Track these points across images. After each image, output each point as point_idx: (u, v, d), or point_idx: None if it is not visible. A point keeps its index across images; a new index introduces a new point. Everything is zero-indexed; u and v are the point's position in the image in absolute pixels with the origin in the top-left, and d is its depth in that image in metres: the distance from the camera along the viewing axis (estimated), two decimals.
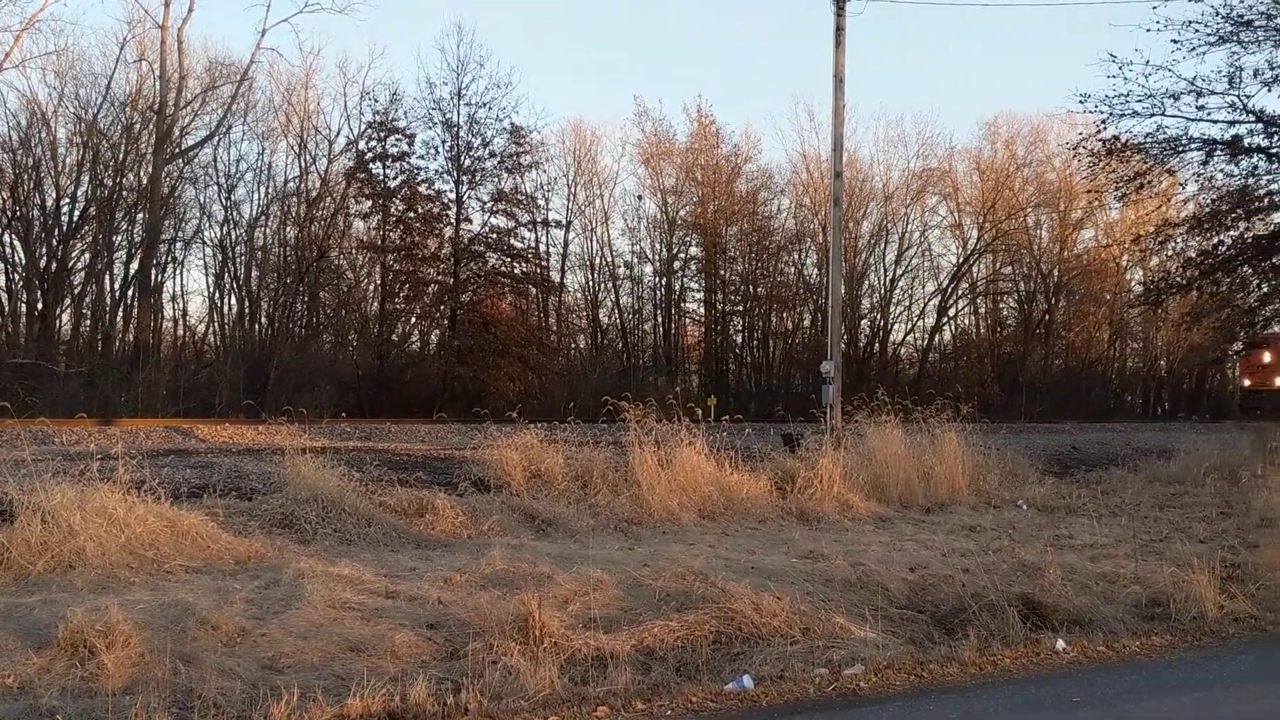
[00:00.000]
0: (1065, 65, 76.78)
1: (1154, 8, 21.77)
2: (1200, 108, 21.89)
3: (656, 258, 44.80)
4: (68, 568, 8.56)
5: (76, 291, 33.65)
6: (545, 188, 42.03)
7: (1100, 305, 49.74)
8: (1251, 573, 9.57)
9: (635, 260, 44.93)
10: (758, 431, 17.64)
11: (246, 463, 14.60)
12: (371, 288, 39.03)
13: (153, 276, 34.49)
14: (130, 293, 34.00)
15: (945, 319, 47.97)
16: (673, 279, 44.77)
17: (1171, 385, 53.76)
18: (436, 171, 37.21)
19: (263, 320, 36.46)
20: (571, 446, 14.57)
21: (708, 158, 44.14)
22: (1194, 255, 24.46)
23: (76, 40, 50.07)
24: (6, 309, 32.39)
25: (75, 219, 33.00)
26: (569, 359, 41.84)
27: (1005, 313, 50.87)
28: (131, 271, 33.96)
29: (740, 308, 45.46)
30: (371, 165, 36.88)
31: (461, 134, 37.03)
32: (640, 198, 44.80)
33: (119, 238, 33.93)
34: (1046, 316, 48.87)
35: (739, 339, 46.42)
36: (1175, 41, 21.56)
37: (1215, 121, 22.10)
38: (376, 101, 37.44)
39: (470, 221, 37.68)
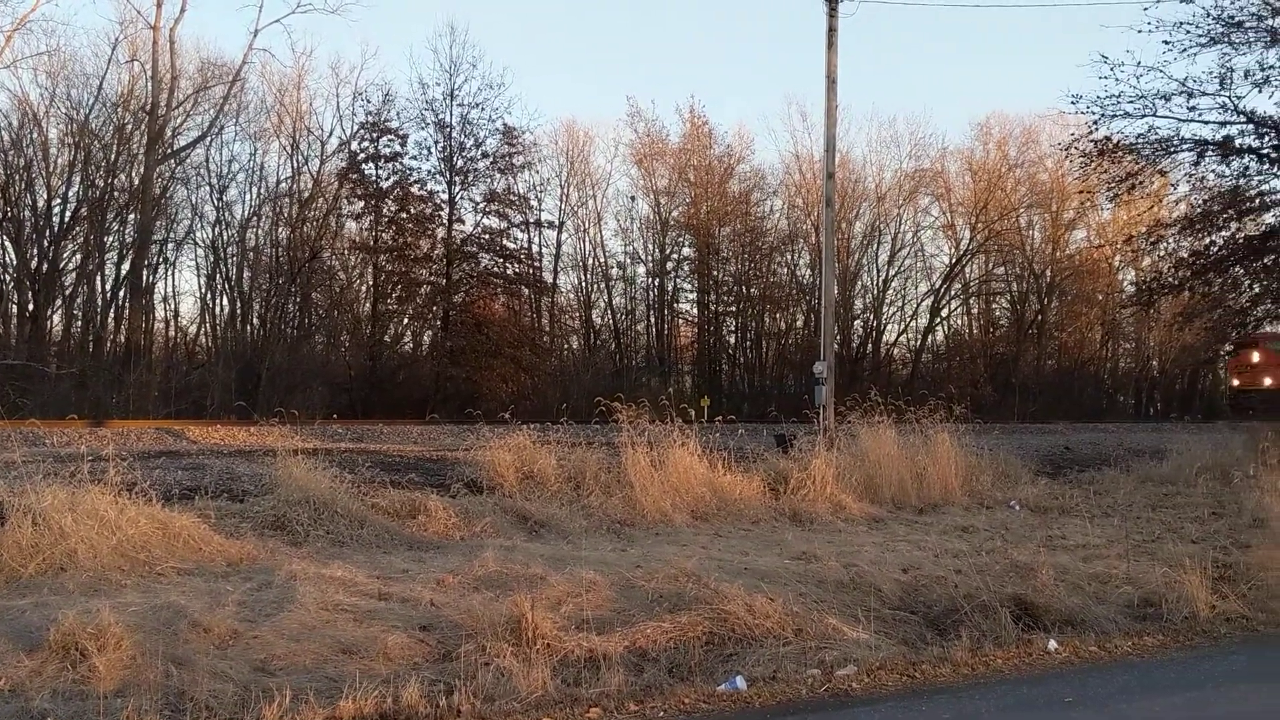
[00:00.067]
0: (1057, 66, 77.01)
1: (1145, 9, 21.84)
2: (1191, 108, 21.97)
3: (649, 258, 44.89)
4: (59, 570, 8.52)
5: (68, 292, 33.59)
6: (538, 188, 42.08)
7: (1093, 306, 49.87)
8: (1243, 573, 9.60)
9: (628, 261, 45.03)
10: (751, 432, 17.64)
11: (238, 464, 14.56)
12: (364, 288, 39.03)
13: (144, 277, 34.46)
14: (121, 294, 33.97)
15: (938, 319, 48.09)
16: (665, 279, 44.82)
17: (1164, 385, 53.93)
18: (429, 172, 37.29)
19: (255, 321, 36.42)
20: (564, 448, 14.54)
21: (700, 158, 44.20)
22: (1186, 256, 24.51)
23: (68, 41, 50.16)
24: None
25: (66, 220, 32.95)
26: (562, 360, 41.84)
27: (998, 313, 51.03)
28: (123, 272, 33.96)
29: (733, 308, 45.50)
30: (364, 166, 36.89)
31: (454, 135, 37.11)
32: (633, 198, 44.90)
33: (110, 238, 33.93)
34: (1039, 317, 48.98)
35: (732, 340, 46.49)
36: (1166, 42, 21.62)
37: (1206, 122, 22.19)
38: (369, 102, 37.50)
39: (463, 222, 37.78)
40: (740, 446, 15.35)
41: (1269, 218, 23.36)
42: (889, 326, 47.48)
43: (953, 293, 48.45)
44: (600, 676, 6.31)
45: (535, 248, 41.76)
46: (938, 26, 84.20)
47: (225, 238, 36.81)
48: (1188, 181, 24.03)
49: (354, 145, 37.10)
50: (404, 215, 36.95)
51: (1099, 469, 19.77)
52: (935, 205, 48.41)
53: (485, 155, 37.47)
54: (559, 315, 44.16)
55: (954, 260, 47.70)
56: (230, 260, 36.83)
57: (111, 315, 33.99)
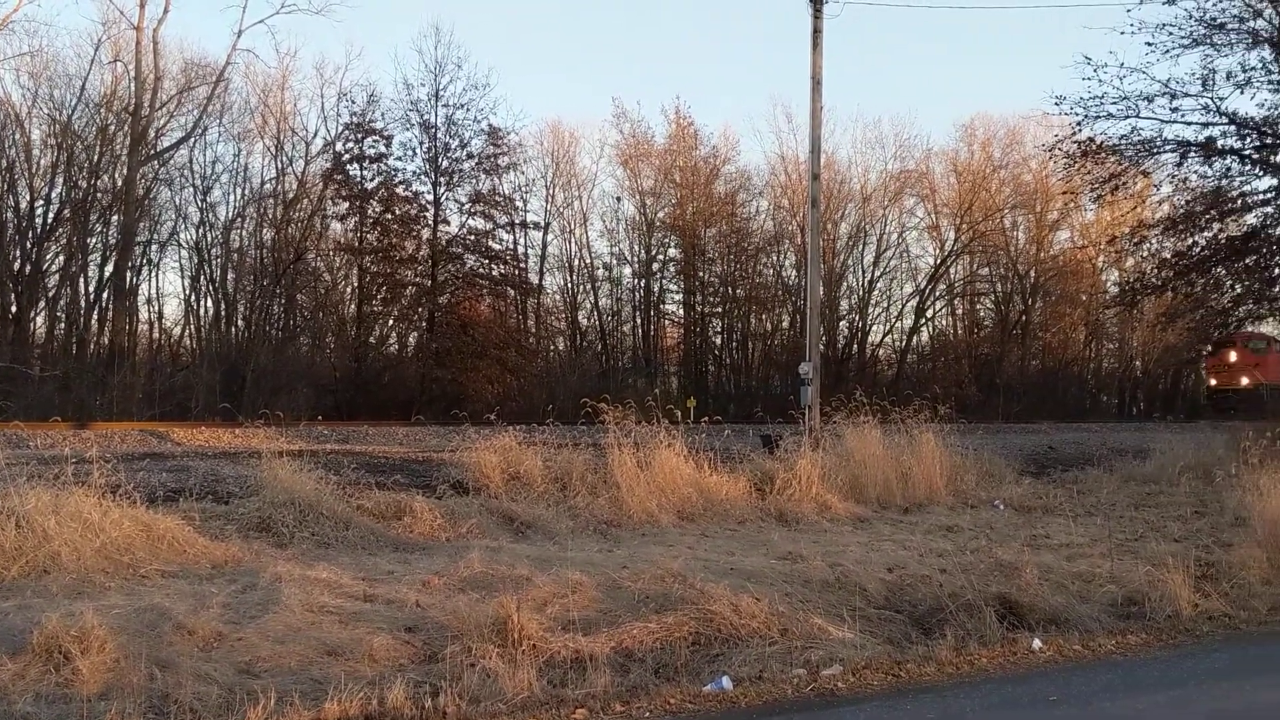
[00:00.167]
0: (1041, 67, 77.23)
1: (1128, 11, 21.94)
2: (1174, 110, 22.09)
3: (635, 259, 44.88)
4: (42, 573, 8.48)
5: (51, 294, 33.41)
6: (523, 189, 42.00)
7: (1076, 306, 50.09)
8: (1225, 571, 9.66)
9: (614, 262, 45.00)
10: (737, 433, 17.66)
11: (223, 466, 14.50)
12: (349, 290, 38.96)
13: (128, 279, 34.29)
14: (105, 295, 33.81)
15: (923, 320, 48.23)
16: (651, 280, 44.83)
17: (1147, 385, 54.21)
18: (414, 173, 37.22)
19: (239, 323, 36.29)
20: (550, 449, 14.54)
21: (686, 159, 44.22)
22: (1169, 256, 24.64)
23: (51, 41, 49.44)
24: None
25: (49, 221, 32.78)
26: (548, 361, 41.80)
27: (982, 314, 51.21)
28: (106, 274, 33.79)
29: (719, 309, 45.54)
30: (349, 167, 36.80)
31: (439, 135, 37.05)
32: (619, 199, 44.88)
33: (94, 240, 33.76)
34: (1023, 317, 49.19)
35: (718, 340, 46.51)
36: (1149, 44, 21.75)
37: (1189, 123, 22.31)
38: (354, 103, 37.36)
39: (448, 223, 37.72)
40: (726, 447, 15.38)
41: (1251, 218, 23.54)
42: (874, 327, 47.65)
43: (938, 293, 48.64)
44: (586, 677, 6.31)
45: (521, 249, 41.77)
46: (922, 28, 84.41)
47: (209, 239, 36.72)
48: (1171, 182, 24.21)
49: (339, 146, 37.04)
50: (389, 216, 36.88)
51: (1083, 468, 19.87)
52: (920, 206, 48.62)
53: (470, 156, 37.46)
54: (545, 316, 44.13)
55: (939, 261, 47.89)
56: (214, 262, 36.70)
57: (95, 317, 33.83)
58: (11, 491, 9.22)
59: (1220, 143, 22.28)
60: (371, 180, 36.94)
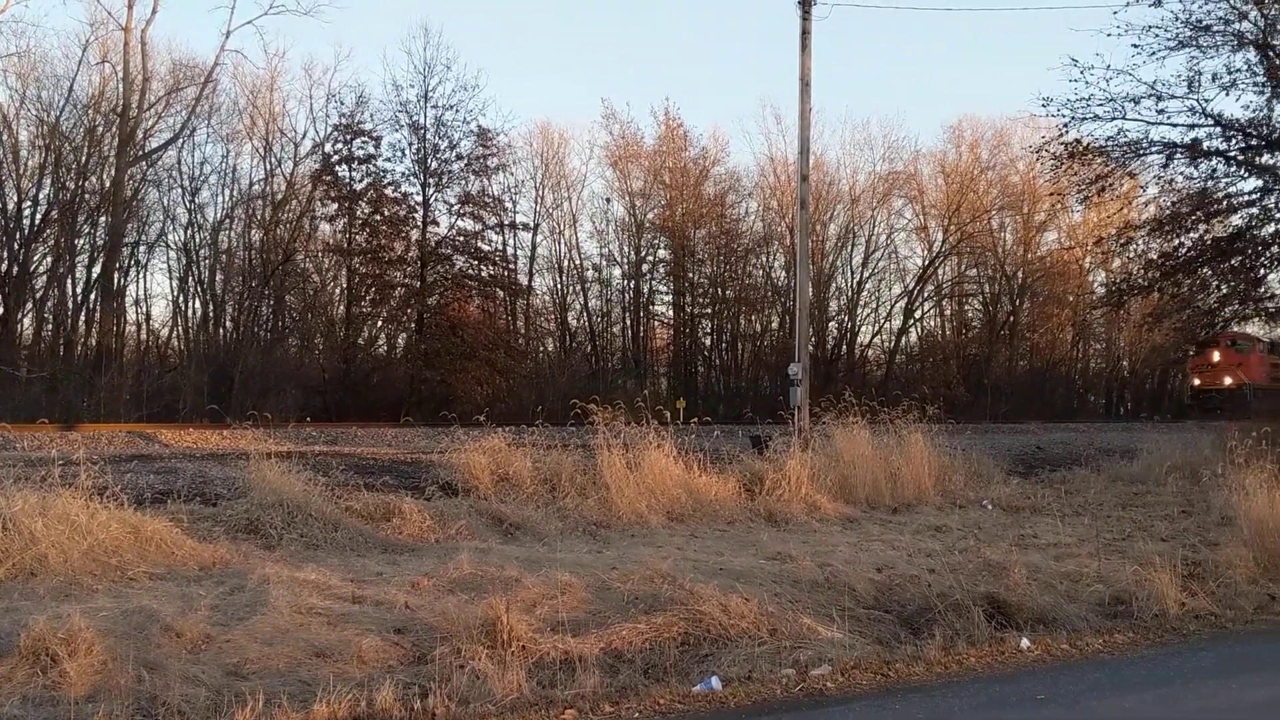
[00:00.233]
0: (1028, 69, 77.56)
1: (1115, 13, 22.00)
2: (1160, 111, 22.14)
3: (625, 260, 44.93)
4: (29, 575, 8.46)
5: (38, 295, 33.28)
6: (512, 190, 42.07)
7: (1063, 307, 50.31)
8: (1212, 570, 9.69)
9: (603, 263, 45.06)
10: (726, 433, 17.68)
11: (211, 468, 14.46)
12: (337, 291, 38.91)
13: (115, 280, 34.20)
14: (93, 297, 33.71)
15: (911, 321, 48.40)
16: (641, 281, 44.87)
17: (1134, 385, 54.47)
18: (403, 174, 37.19)
19: (227, 324, 36.20)
20: (539, 450, 14.54)
21: (675, 160, 44.26)
22: (1155, 257, 24.69)
23: (39, 42, 49.53)
24: None
25: (37, 222, 32.65)
26: (537, 362, 41.79)
27: (970, 314, 51.39)
28: (94, 275, 33.68)
29: (709, 310, 45.60)
30: (337, 168, 36.76)
31: (428, 136, 37.01)
32: (608, 200, 44.92)
33: (81, 241, 33.64)
34: (1011, 318, 49.37)
35: (707, 341, 46.58)
36: (1136, 46, 21.78)
37: (1175, 125, 22.36)
38: (342, 104, 37.35)
39: (437, 224, 37.70)
40: (716, 448, 15.39)
41: (1236, 219, 23.58)
42: (863, 328, 47.80)
43: (926, 294, 48.81)
44: (576, 678, 6.32)
45: (510, 250, 41.83)
46: (910, 30, 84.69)
47: (197, 240, 36.67)
48: (1157, 184, 24.26)
49: (327, 147, 37.01)
50: (378, 217, 36.83)
51: (1070, 468, 19.95)
52: (908, 207, 48.82)
53: (459, 157, 37.44)
54: (534, 317, 44.13)
55: (927, 262, 48.06)
56: (203, 263, 36.64)
57: (82, 318, 33.73)
58: None
59: (1206, 144, 22.36)
60: (360, 181, 36.95)
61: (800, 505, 14.01)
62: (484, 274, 39.05)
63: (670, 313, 45.75)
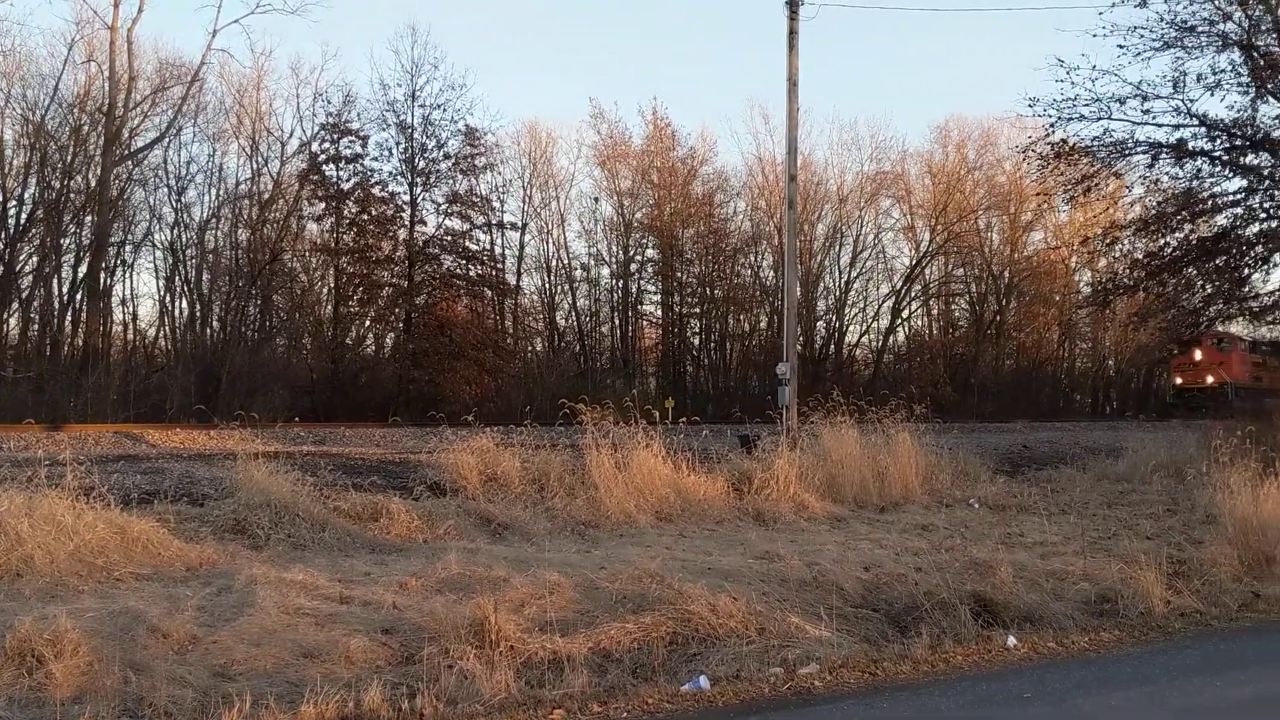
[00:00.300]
0: (1015, 69, 77.77)
1: (1100, 13, 22.10)
2: (1146, 111, 22.24)
3: (613, 260, 44.92)
4: (15, 576, 8.42)
5: (24, 295, 33.11)
6: (500, 190, 42.02)
7: (1050, 306, 50.51)
8: (1197, 569, 9.75)
9: (592, 262, 45.04)
10: (715, 433, 17.71)
11: (198, 468, 14.42)
12: (325, 291, 38.80)
13: (102, 280, 34.05)
14: (79, 296, 33.54)
15: (899, 320, 48.54)
16: (630, 281, 44.86)
17: (1119, 385, 54.71)
18: (390, 173, 37.14)
19: (214, 324, 36.08)
20: (528, 450, 14.53)
21: (663, 160, 44.27)
22: (1140, 257, 24.81)
23: (24, 41, 49.16)
24: None
25: (22, 221, 32.49)
26: (525, 362, 41.73)
27: (957, 314, 51.55)
28: (80, 275, 33.51)
29: (697, 310, 45.64)
30: (324, 167, 36.67)
31: (415, 136, 36.95)
32: (596, 200, 44.90)
33: (67, 240, 33.51)
34: (997, 317, 49.52)
35: (696, 341, 46.61)
36: (1121, 46, 21.89)
37: (1160, 125, 22.47)
38: (330, 103, 37.30)
39: (425, 224, 37.65)
40: (704, 447, 15.40)
41: (1221, 219, 23.71)
42: (851, 327, 47.91)
43: (913, 294, 48.95)
44: (564, 678, 6.32)
45: (498, 249, 41.80)
46: (897, 30, 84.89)
47: (184, 240, 36.52)
48: (1142, 184, 24.40)
49: (314, 146, 36.92)
50: (365, 217, 36.76)
51: (1056, 467, 20.02)
52: (896, 207, 48.94)
53: (447, 156, 37.39)
54: (522, 317, 44.09)
55: (914, 262, 48.20)
56: (189, 262, 36.50)
57: (69, 318, 33.57)
58: None
59: (1191, 144, 22.49)
60: (348, 181, 36.87)
61: (788, 504, 14.03)
62: (472, 273, 39.01)
63: (659, 312, 45.83)
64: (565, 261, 44.57)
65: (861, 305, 47.99)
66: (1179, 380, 39.50)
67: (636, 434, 14.00)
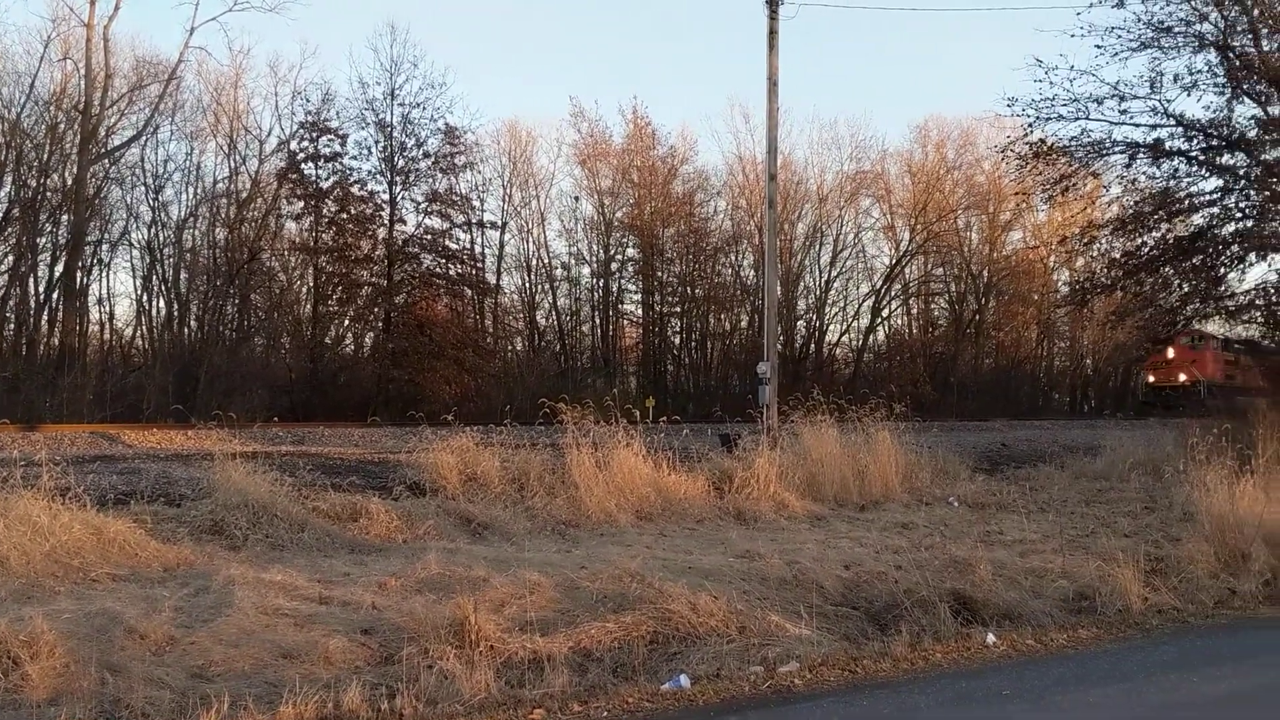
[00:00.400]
0: (995, 69, 78.16)
1: (1078, 14, 22.21)
2: (1123, 112, 22.36)
3: (594, 259, 44.84)
4: None
5: (0, 294, 32.80)
6: (480, 188, 41.87)
7: (1028, 305, 50.77)
8: (1174, 566, 9.83)
9: (572, 262, 44.94)
10: (695, 432, 17.70)
11: (175, 468, 14.33)
12: (304, 290, 38.58)
13: (78, 279, 33.75)
14: (55, 296, 33.24)
15: (879, 319, 48.65)
16: (610, 280, 44.80)
17: (1098, 383, 55.06)
18: (369, 172, 36.90)
19: (192, 323, 35.83)
20: (508, 449, 14.50)
21: (644, 159, 44.21)
22: (1118, 256, 24.94)
23: None
24: None
25: None
26: (505, 361, 41.62)
27: (937, 313, 51.76)
28: (56, 274, 33.23)
29: (678, 309, 45.62)
30: (303, 166, 36.44)
31: (395, 134, 36.76)
32: (577, 199, 44.81)
33: (43, 240, 33.16)
34: (977, 316, 49.74)
35: (677, 340, 46.59)
36: (1099, 47, 22.01)
37: (1138, 125, 22.59)
38: (308, 102, 36.99)
39: (404, 223, 37.43)
40: (685, 446, 15.41)
41: (1198, 219, 23.84)
42: (831, 326, 47.99)
43: (893, 293, 49.07)
44: (544, 677, 6.31)
45: (478, 248, 41.65)
46: (877, 29, 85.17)
47: (161, 239, 36.20)
48: (1120, 183, 24.50)
49: (293, 145, 36.66)
50: (344, 216, 36.56)
51: (1035, 465, 20.15)
52: (876, 207, 49.05)
53: (427, 155, 37.21)
54: (503, 316, 43.97)
55: (894, 261, 48.32)
56: (167, 261, 36.21)
57: (45, 318, 33.25)
58: None
59: (1168, 144, 22.61)
60: (326, 179, 36.64)
61: (769, 503, 14.06)
62: (452, 273, 38.85)
63: (639, 311, 45.80)
64: (545, 261, 44.54)
65: (842, 304, 48.16)
66: (1152, 378, 39.77)
67: (617, 433, 14.00)
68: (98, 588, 8.29)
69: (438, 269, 38.29)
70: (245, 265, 35.16)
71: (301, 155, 36.34)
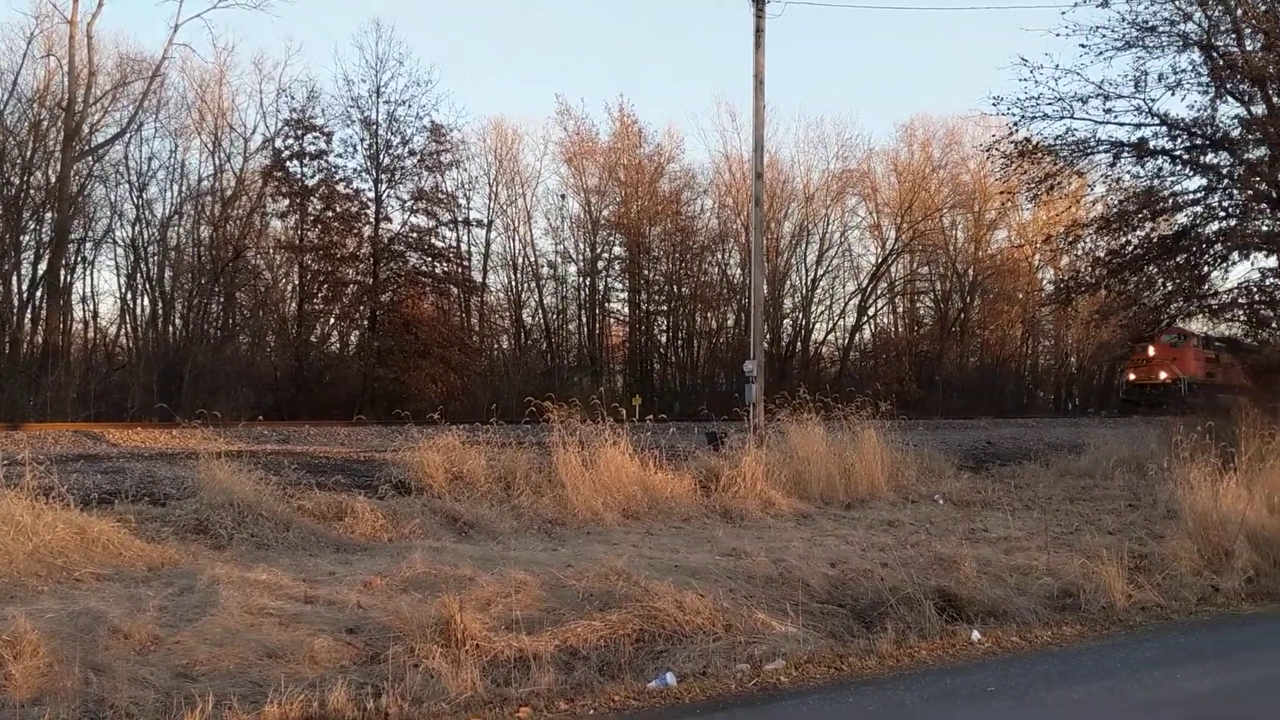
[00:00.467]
0: (980, 69, 78.40)
1: (1063, 13, 22.28)
2: (1108, 111, 22.44)
3: (580, 257, 44.80)
4: None
5: None
6: (466, 186, 41.80)
7: (1013, 304, 50.99)
8: (1158, 563, 9.88)
9: (559, 260, 44.90)
10: (682, 431, 17.71)
11: (159, 467, 14.27)
12: (289, 288, 38.45)
13: (62, 277, 33.57)
14: (38, 294, 33.04)
15: (865, 318, 48.79)
16: (597, 279, 44.77)
17: (1082, 381, 55.33)
18: (355, 170, 36.83)
19: (177, 322, 35.68)
20: (494, 448, 14.48)
21: (630, 157, 44.17)
22: (1102, 255, 25.03)
23: None
24: None
25: None
26: (492, 360, 41.58)
27: (922, 312, 51.93)
28: (40, 272, 33.02)
29: (664, 307, 45.63)
30: (288, 163, 36.32)
31: (380, 132, 36.70)
32: (563, 197, 44.73)
33: (26, 238, 32.96)
34: (962, 315, 49.93)
35: (663, 339, 46.62)
36: (1084, 46, 22.09)
37: (1122, 124, 22.68)
38: (293, 99, 36.86)
39: (390, 221, 37.35)
40: (672, 445, 15.41)
41: (1181, 218, 23.95)
42: (817, 325, 48.10)
43: (879, 292, 49.20)
44: (530, 676, 6.31)
45: (464, 246, 41.55)
46: (864, 28, 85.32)
47: (146, 236, 36.02)
48: (1104, 182, 24.61)
49: (278, 142, 36.55)
50: (330, 214, 36.45)
51: (1020, 463, 20.21)
52: (862, 205, 49.17)
53: (412, 153, 37.15)
54: (489, 315, 43.89)
55: (880, 260, 48.46)
56: (151, 259, 36.03)
57: (28, 316, 33.05)
58: None
59: (1152, 143, 22.70)
60: (312, 177, 36.53)
61: (755, 501, 14.08)
62: (438, 271, 38.77)
63: (626, 310, 45.78)
64: (532, 259, 44.49)
65: (828, 303, 48.29)
66: (1133, 376, 39.95)
67: (604, 432, 13.99)
68: (81, 587, 8.25)
69: (423, 267, 38.23)
70: (230, 263, 35.02)
71: (286, 153, 36.23)
